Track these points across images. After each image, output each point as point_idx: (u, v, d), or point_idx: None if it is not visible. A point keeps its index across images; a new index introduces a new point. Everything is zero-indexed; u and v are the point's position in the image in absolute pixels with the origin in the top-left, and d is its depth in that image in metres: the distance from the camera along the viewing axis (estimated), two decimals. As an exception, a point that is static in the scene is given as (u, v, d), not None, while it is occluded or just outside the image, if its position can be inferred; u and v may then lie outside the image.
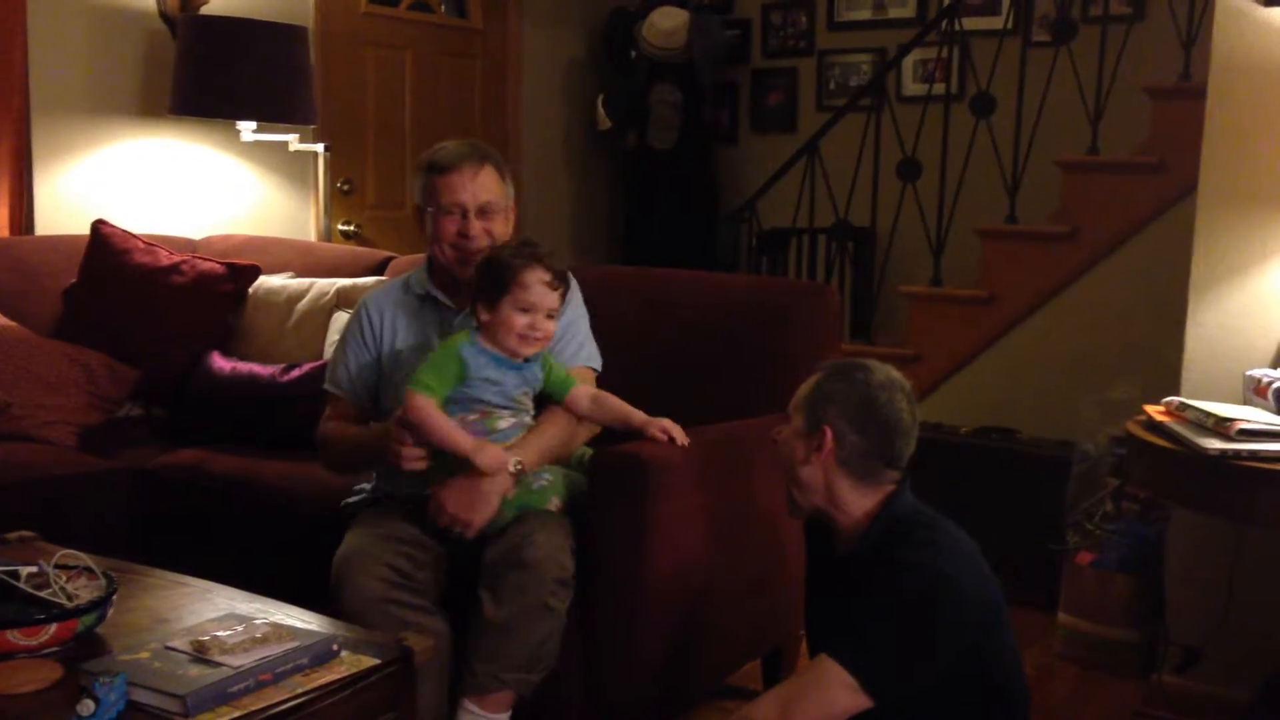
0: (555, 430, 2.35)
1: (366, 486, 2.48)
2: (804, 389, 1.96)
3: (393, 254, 3.57)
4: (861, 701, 1.69)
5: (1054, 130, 4.29)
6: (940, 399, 4.25)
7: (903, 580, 1.74)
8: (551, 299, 2.24)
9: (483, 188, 2.40)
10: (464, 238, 2.38)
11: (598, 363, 2.53)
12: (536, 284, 2.21)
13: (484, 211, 2.39)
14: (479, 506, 2.21)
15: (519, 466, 2.23)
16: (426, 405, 2.17)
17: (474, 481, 2.20)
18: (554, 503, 2.26)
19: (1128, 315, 3.86)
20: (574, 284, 2.51)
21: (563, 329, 2.44)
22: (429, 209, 2.43)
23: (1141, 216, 3.91)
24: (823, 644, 1.79)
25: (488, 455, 2.18)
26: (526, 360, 2.27)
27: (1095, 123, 4.19)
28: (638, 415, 2.36)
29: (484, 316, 2.24)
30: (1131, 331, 3.82)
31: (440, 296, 2.45)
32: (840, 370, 1.93)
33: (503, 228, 2.44)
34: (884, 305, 4.85)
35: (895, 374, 1.94)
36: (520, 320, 2.21)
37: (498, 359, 2.24)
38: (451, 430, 2.19)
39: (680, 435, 2.32)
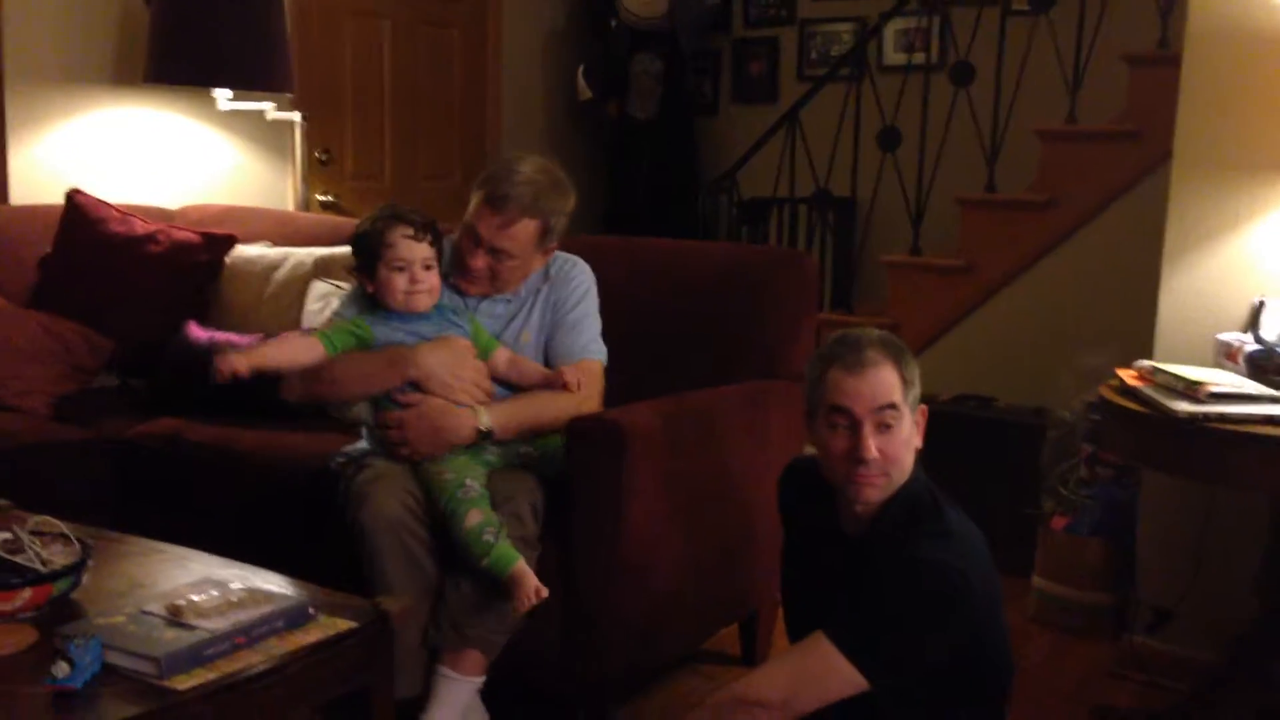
0: (533, 401, 2.37)
1: (362, 445, 2.46)
2: (893, 384, 1.80)
3: (369, 223, 3.55)
4: (861, 686, 1.70)
5: (1033, 99, 4.30)
6: (919, 367, 4.25)
7: (918, 576, 1.72)
8: (421, 250, 2.32)
9: (509, 236, 2.38)
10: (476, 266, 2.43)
11: (603, 356, 2.52)
12: (401, 240, 2.30)
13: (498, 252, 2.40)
14: (436, 443, 2.26)
15: (487, 426, 2.27)
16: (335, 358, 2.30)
17: (438, 420, 2.26)
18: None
19: (1105, 283, 3.88)
20: (583, 275, 2.54)
21: (572, 322, 2.48)
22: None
23: (1119, 185, 3.92)
24: (818, 621, 1.77)
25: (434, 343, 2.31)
26: (438, 310, 2.36)
27: (1074, 91, 4.19)
28: (550, 372, 2.41)
29: (370, 289, 2.35)
30: (1108, 299, 3.84)
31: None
32: (900, 348, 1.85)
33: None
34: (864, 274, 4.87)
35: None
36: (399, 279, 2.31)
37: (404, 318, 2.34)
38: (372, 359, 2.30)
39: (574, 378, 2.37)
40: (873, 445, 1.77)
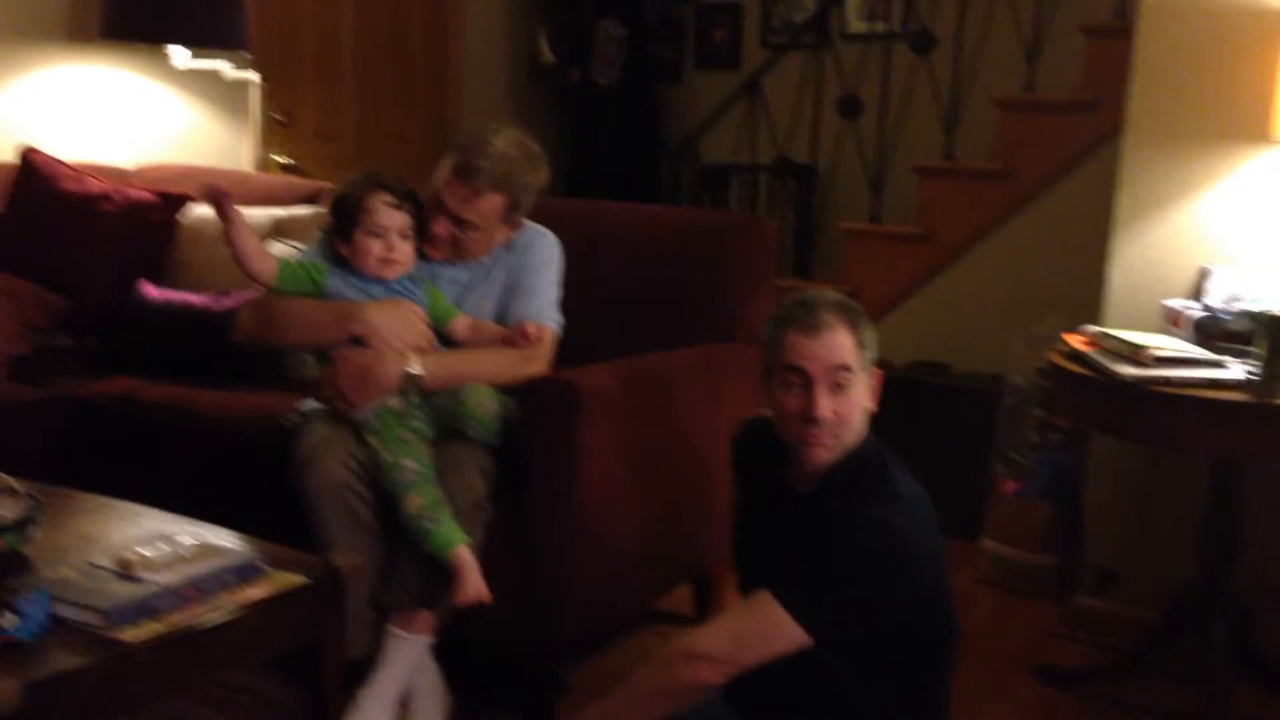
0: (472, 355, 2.39)
1: (314, 404, 2.46)
2: (847, 345, 1.81)
3: (327, 184, 3.53)
4: (805, 642, 1.73)
5: (993, 69, 4.33)
6: (877, 334, 4.29)
7: (860, 535, 1.73)
8: (399, 219, 2.34)
9: (474, 209, 2.39)
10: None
11: (556, 325, 2.51)
12: (381, 207, 2.32)
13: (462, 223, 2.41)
14: (366, 390, 2.26)
15: (416, 371, 2.27)
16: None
17: (369, 363, 2.26)
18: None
19: (1061, 251, 3.92)
20: (549, 246, 2.54)
21: (528, 288, 2.47)
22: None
23: (1076, 154, 3.96)
24: (766, 579, 1.80)
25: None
26: (403, 279, 2.37)
27: (1032, 61, 4.22)
28: (509, 330, 2.42)
29: (344, 252, 2.35)
30: (1064, 267, 3.88)
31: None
32: (855, 310, 1.86)
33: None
34: (824, 241, 4.89)
35: None
36: (375, 245, 2.33)
37: (362, 278, 2.35)
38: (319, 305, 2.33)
39: (535, 329, 2.39)
40: (825, 405, 1.79)
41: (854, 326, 1.83)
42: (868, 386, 1.85)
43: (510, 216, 2.44)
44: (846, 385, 1.81)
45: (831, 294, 1.89)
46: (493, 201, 2.37)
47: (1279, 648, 2.65)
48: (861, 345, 1.83)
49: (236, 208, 2.31)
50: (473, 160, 2.34)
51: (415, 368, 2.28)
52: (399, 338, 2.31)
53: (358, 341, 2.31)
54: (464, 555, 2.17)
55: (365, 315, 2.31)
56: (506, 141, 2.39)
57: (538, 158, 2.45)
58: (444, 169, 2.39)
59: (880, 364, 1.90)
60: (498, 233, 2.45)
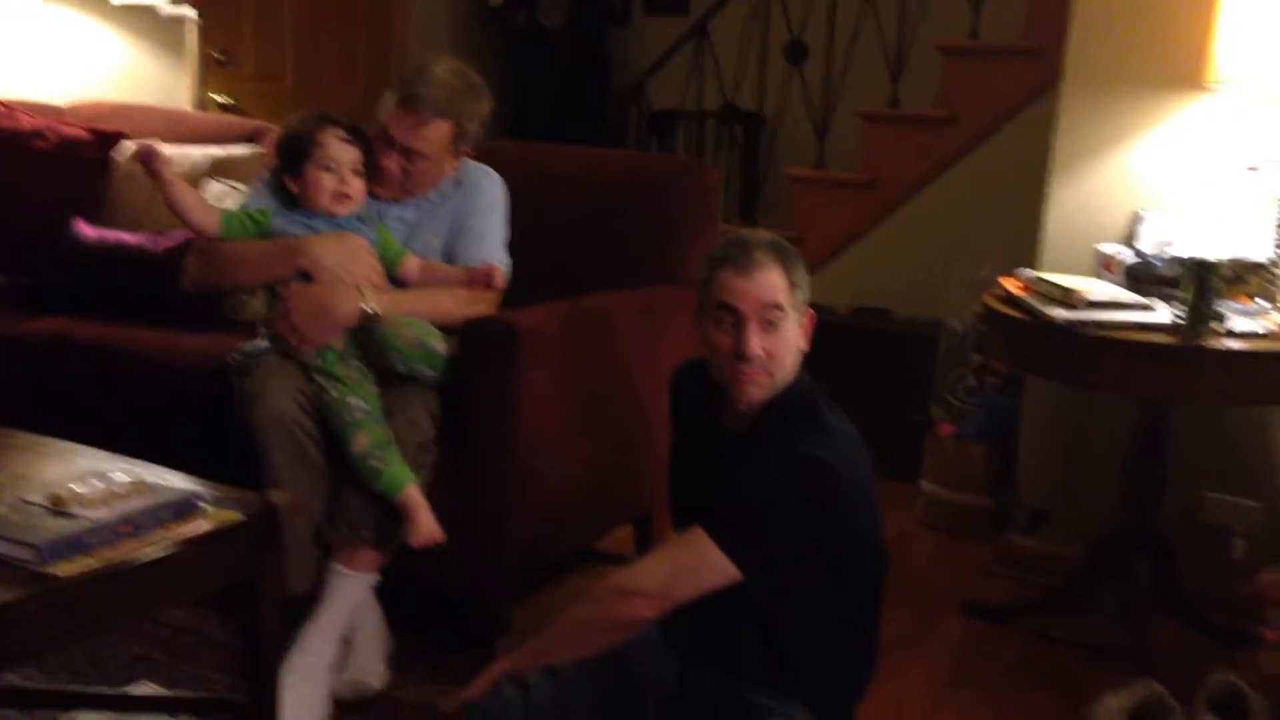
0: (423, 295, 2.38)
1: (261, 344, 2.43)
2: (778, 284, 1.81)
3: (266, 124, 3.48)
4: (735, 576, 1.76)
5: (938, 15, 4.33)
6: (820, 280, 4.26)
7: (787, 469, 1.76)
8: (351, 153, 2.34)
9: (421, 137, 2.39)
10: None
11: (505, 267, 2.50)
12: (333, 141, 2.32)
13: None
14: (321, 326, 2.24)
15: (373, 308, 2.26)
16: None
17: (323, 298, 2.25)
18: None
19: (1003, 198, 3.95)
20: (494, 186, 2.55)
21: (476, 231, 2.48)
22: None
23: (1019, 101, 3.99)
24: (699, 516, 1.82)
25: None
26: (351, 218, 2.36)
27: (978, 8, 4.24)
28: (459, 271, 2.43)
29: (295, 189, 2.34)
30: (1006, 213, 3.91)
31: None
32: (786, 250, 1.86)
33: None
34: (769, 188, 4.90)
35: None
36: (327, 178, 2.32)
37: (308, 215, 2.34)
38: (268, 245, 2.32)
39: (496, 271, 2.41)
40: (756, 342, 1.81)
41: (786, 266, 1.85)
42: (800, 326, 1.87)
43: (456, 145, 2.44)
44: (778, 324, 1.83)
45: (765, 234, 1.90)
46: (439, 129, 2.38)
47: (1201, 585, 2.73)
48: (793, 285, 1.84)
49: (168, 162, 2.28)
50: (416, 89, 2.35)
51: (370, 304, 2.27)
52: (348, 271, 2.29)
53: (306, 278, 2.29)
54: (414, 496, 2.18)
55: (310, 248, 2.30)
56: (446, 70, 2.41)
57: (479, 86, 2.46)
58: (388, 102, 2.39)
59: (822, 309, 1.92)
60: (446, 164, 2.45)
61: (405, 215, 2.48)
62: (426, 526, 2.19)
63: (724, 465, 1.88)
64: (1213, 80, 2.54)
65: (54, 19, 3.78)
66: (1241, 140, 2.66)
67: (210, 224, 2.33)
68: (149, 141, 2.29)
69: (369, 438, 2.18)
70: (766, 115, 4.92)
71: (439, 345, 2.28)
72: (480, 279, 2.39)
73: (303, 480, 2.18)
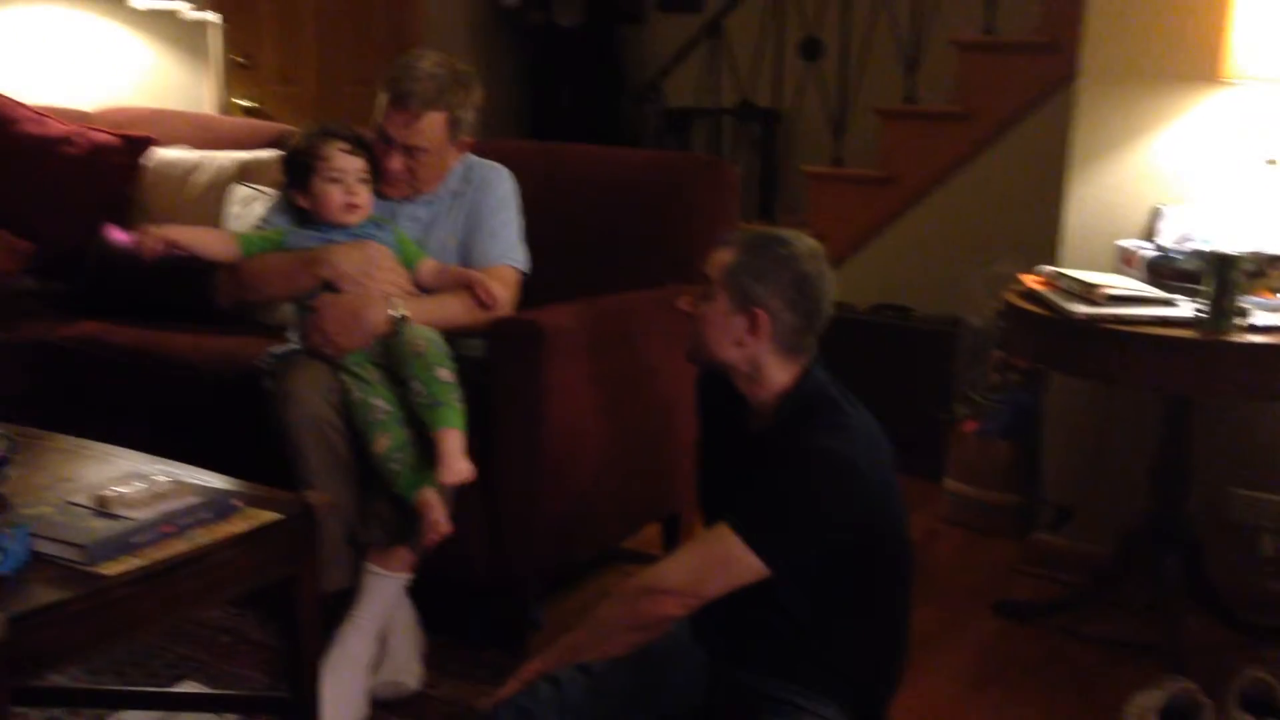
0: (441, 301, 2.41)
1: (290, 346, 2.47)
2: (724, 263, 1.85)
3: (292, 128, 3.51)
4: (763, 572, 1.77)
5: (953, 9, 4.34)
6: (839, 277, 4.33)
7: (807, 464, 1.78)
8: (355, 162, 2.38)
9: (418, 132, 2.42)
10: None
11: (520, 263, 2.54)
12: (336, 153, 2.36)
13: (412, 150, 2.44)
14: (353, 333, 2.28)
15: (401, 312, 2.29)
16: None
17: (354, 306, 2.29)
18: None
19: (1019, 193, 3.97)
20: (505, 181, 2.58)
21: (491, 228, 2.51)
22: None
23: (1035, 96, 3.99)
24: (724, 514, 1.84)
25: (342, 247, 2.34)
26: (367, 224, 2.40)
27: (992, 2, 4.24)
28: (472, 274, 2.44)
29: (305, 204, 2.38)
30: (1023, 209, 3.92)
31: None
32: (761, 243, 1.86)
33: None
34: (786, 185, 4.91)
35: (811, 241, 1.90)
36: (335, 190, 2.36)
37: (322, 228, 2.38)
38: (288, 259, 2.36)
39: (498, 289, 2.42)
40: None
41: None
42: (739, 316, 1.86)
43: (455, 135, 2.48)
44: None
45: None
46: (433, 121, 2.42)
47: (1230, 579, 2.73)
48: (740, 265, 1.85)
49: (153, 230, 2.34)
50: (404, 86, 2.40)
51: (400, 310, 2.30)
52: (369, 277, 2.33)
53: (331, 288, 2.32)
54: (430, 497, 2.20)
55: (329, 257, 2.34)
56: (431, 63, 2.45)
57: (466, 75, 2.50)
58: (381, 104, 2.44)
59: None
60: (449, 155, 2.50)
61: (418, 213, 2.52)
62: (437, 525, 2.20)
63: (747, 465, 1.90)
64: (1230, 74, 2.54)
65: (79, 25, 3.83)
66: (1260, 133, 2.67)
67: (231, 253, 2.39)
68: (113, 230, 2.48)
69: (390, 440, 2.21)
70: (783, 112, 4.94)
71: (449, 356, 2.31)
72: (481, 295, 2.41)
73: (335, 479, 2.22)
